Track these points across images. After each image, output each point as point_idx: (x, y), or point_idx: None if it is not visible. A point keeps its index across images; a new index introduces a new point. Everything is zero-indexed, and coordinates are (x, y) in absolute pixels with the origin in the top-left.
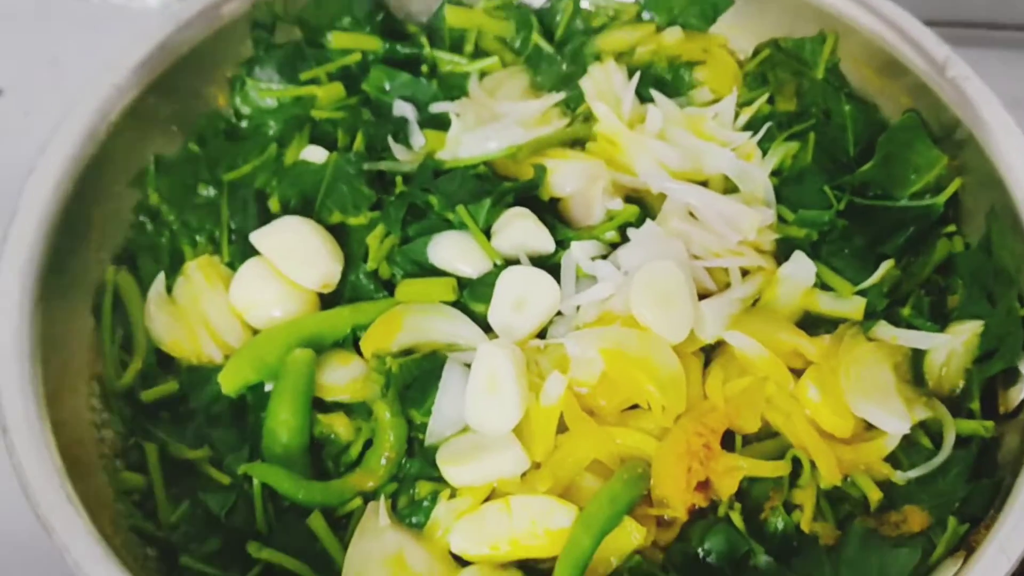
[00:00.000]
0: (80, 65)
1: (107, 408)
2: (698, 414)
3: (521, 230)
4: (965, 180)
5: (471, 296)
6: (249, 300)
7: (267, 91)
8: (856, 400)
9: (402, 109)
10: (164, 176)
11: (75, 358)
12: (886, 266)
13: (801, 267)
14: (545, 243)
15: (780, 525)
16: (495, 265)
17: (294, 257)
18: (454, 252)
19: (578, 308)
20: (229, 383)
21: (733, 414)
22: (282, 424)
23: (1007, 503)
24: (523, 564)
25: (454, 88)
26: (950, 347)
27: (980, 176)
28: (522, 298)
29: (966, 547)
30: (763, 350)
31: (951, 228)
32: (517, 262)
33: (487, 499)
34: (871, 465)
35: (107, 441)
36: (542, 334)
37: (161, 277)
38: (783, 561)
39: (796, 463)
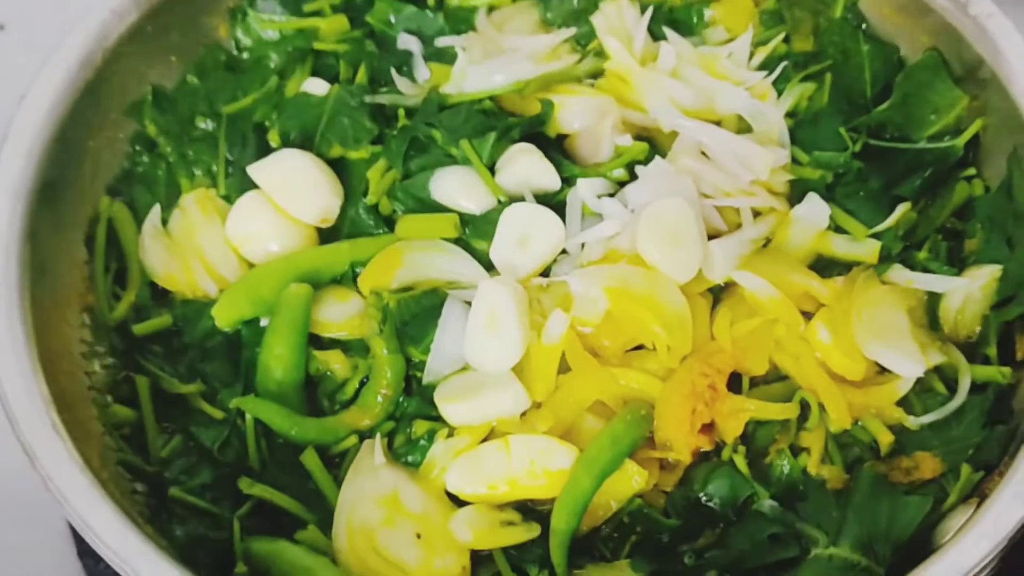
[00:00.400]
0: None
1: (98, 341)
2: (704, 355)
3: (526, 166)
4: (986, 121)
5: (473, 233)
6: (246, 233)
7: (269, 23)
8: (868, 342)
9: (407, 42)
10: (162, 107)
11: (67, 289)
12: (902, 209)
13: (815, 209)
14: (551, 180)
15: (786, 469)
16: (499, 202)
17: (293, 191)
18: (457, 188)
19: (583, 247)
20: (224, 317)
21: (740, 356)
22: (277, 359)
23: (1023, 450)
24: (521, 506)
25: (461, 22)
26: (967, 291)
27: (1002, 117)
28: (526, 235)
29: (979, 494)
30: (774, 291)
31: (970, 171)
32: (521, 199)
33: (485, 439)
34: (882, 409)
35: (97, 374)
36: (545, 273)
37: (157, 209)
38: (788, 505)
39: (804, 406)
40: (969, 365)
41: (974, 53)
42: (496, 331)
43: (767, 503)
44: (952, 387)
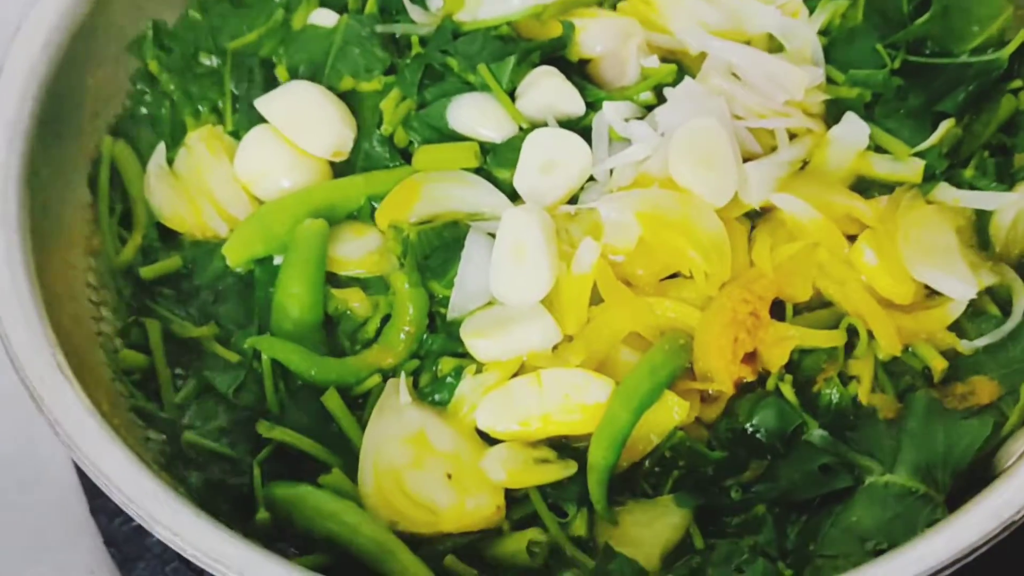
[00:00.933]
0: None
1: (105, 285)
2: (745, 281)
3: (548, 90)
4: None
5: (495, 162)
6: (255, 170)
7: None
8: (916, 264)
9: None
10: (164, 43)
11: (70, 231)
12: (946, 125)
13: (853, 128)
14: (575, 104)
15: (835, 398)
16: (520, 129)
17: (303, 123)
18: (476, 115)
19: (612, 173)
20: (235, 255)
21: (782, 281)
22: (293, 298)
23: None
24: (556, 443)
25: None
26: (1018, 207)
27: None
28: (551, 161)
29: None
30: (815, 212)
31: (1017, 83)
32: (544, 125)
33: (516, 374)
34: (934, 334)
35: (105, 319)
36: (573, 201)
37: (162, 148)
38: (839, 435)
39: (852, 333)
40: None
41: None
42: (523, 262)
43: (817, 433)
44: (1006, 309)
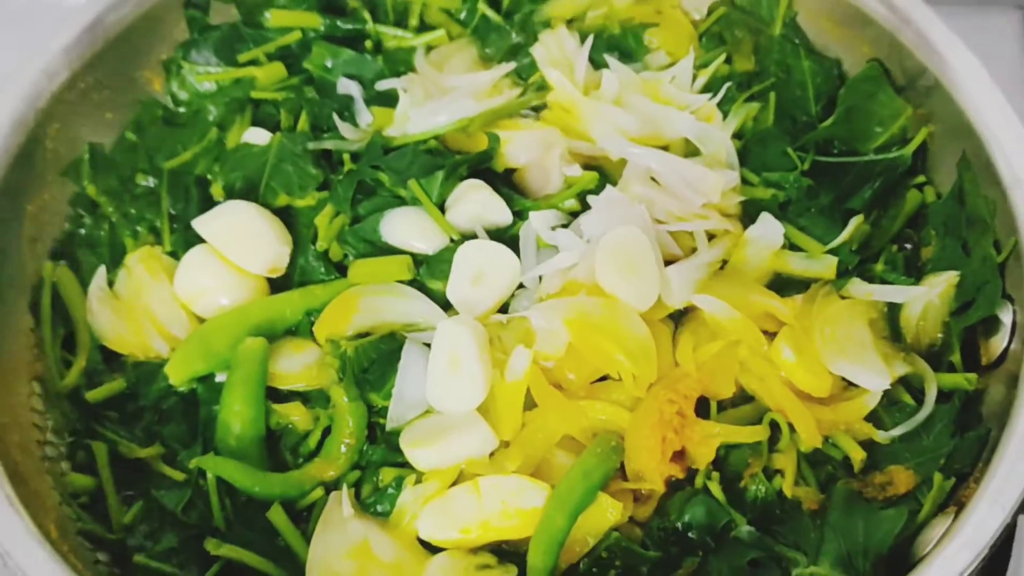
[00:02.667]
0: (8, 60)
1: (50, 410)
2: (670, 382)
3: (476, 202)
4: (933, 129)
5: (428, 274)
6: (194, 289)
7: (205, 75)
8: (833, 359)
9: (347, 87)
10: (100, 166)
11: (13, 359)
12: (855, 222)
13: (769, 228)
14: (502, 214)
15: (761, 492)
16: (451, 240)
17: (239, 242)
18: (408, 229)
19: (541, 280)
20: (177, 374)
21: (706, 380)
22: (236, 415)
23: (995, 454)
24: (496, 548)
25: (400, 63)
26: (926, 299)
27: (948, 123)
28: (481, 272)
29: (956, 503)
30: (734, 312)
31: (920, 179)
32: (474, 236)
33: (454, 483)
34: (852, 425)
35: (51, 443)
36: (504, 309)
37: (102, 271)
38: (765, 528)
39: (774, 427)
40: (935, 374)
41: (916, 61)
42: (458, 372)
43: (745, 529)
44: (919, 398)
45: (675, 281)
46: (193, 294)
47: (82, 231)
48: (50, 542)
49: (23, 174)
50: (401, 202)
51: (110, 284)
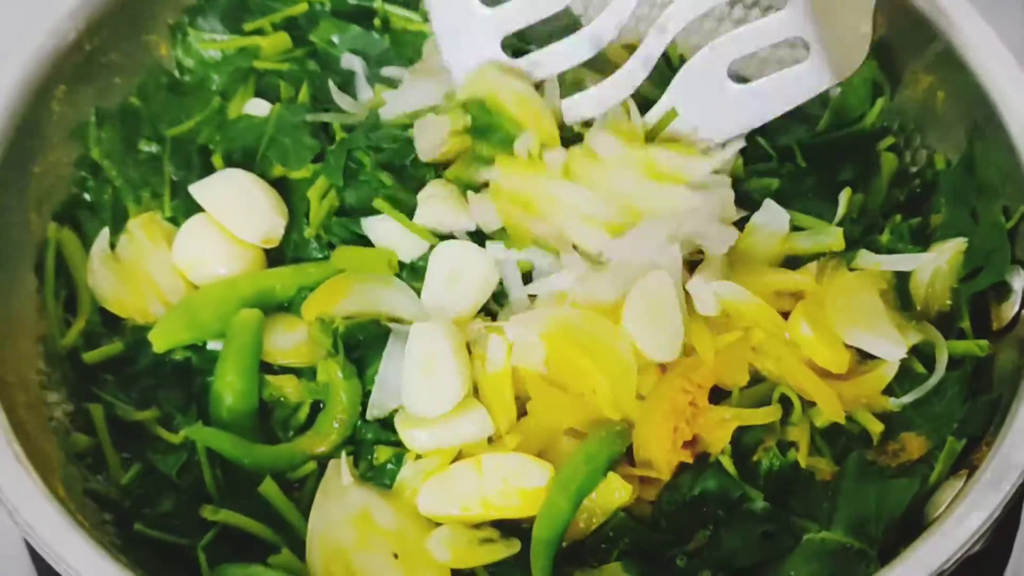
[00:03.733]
0: (16, 21)
1: (54, 370)
2: (683, 370)
3: (443, 202)
4: (944, 95)
5: (410, 276)
6: (192, 257)
7: (210, 42)
8: (848, 329)
9: (351, 62)
10: (106, 130)
11: (19, 319)
12: (846, 194)
13: (773, 215)
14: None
15: (776, 463)
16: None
17: (235, 210)
18: (389, 236)
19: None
20: (161, 341)
21: (720, 369)
22: (228, 386)
23: (1007, 418)
24: (498, 523)
25: (407, 46)
26: (934, 266)
27: (959, 90)
28: (456, 273)
29: (968, 467)
30: (754, 298)
31: (889, 140)
32: (451, 236)
33: (456, 459)
34: (872, 399)
35: (56, 404)
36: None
37: (105, 233)
38: (779, 500)
39: (785, 401)
40: (945, 341)
41: (926, 28)
42: (432, 374)
43: (759, 504)
44: (931, 366)
45: (703, 292)
46: (190, 262)
47: (86, 195)
48: (58, 499)
49: (30, 136)
50: (383, 186)
51: (112, 248)
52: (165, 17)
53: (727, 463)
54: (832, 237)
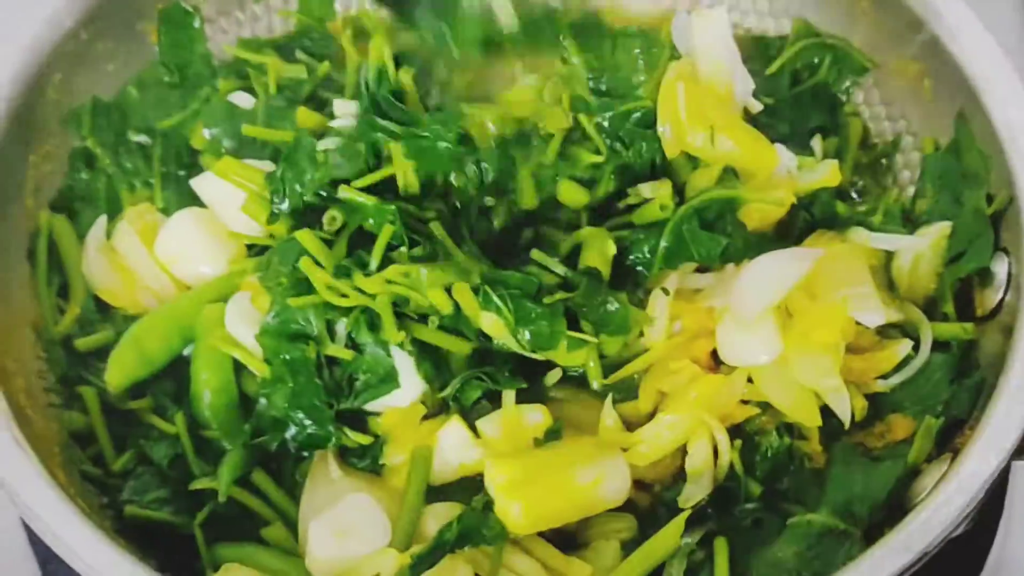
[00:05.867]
0: (12, 9)
1: (50, 355)
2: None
3: None
4: (931, 83)
5: None
6: (174, 252)
7: None
8: (834, 292)
9: None
10: (100, 118)
11: (17, 305)
12: (819, 138)
13: (783, 155)
14: None
15: (773, 448)
16: None
17: (236, 204)
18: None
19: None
20: (116, 381)
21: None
22: (204, 384)
23: (991, 401)
24: None
25: None
26: (917, 249)
27: (946, 78)
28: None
29: (952, 450)
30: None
31: (850, 108)
32: None
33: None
34: (880, 372)
35: (55, 390)
36: None
37: (102, 221)
38: (770, 487)
39: None
40: (929, 322)
41: (913, 16)
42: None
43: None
44: (917, 348)
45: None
46: (172, 256)
47: (80, 183)
48: (57, 483)
49: (26, 123)
50: None
51: (109, 236)
52: (156, 4)
53: (735, 458)
54: (827, 170)
